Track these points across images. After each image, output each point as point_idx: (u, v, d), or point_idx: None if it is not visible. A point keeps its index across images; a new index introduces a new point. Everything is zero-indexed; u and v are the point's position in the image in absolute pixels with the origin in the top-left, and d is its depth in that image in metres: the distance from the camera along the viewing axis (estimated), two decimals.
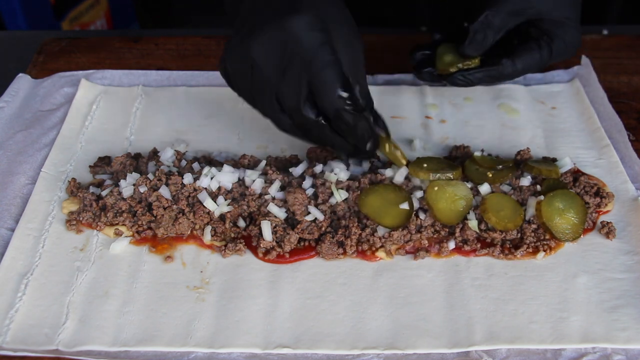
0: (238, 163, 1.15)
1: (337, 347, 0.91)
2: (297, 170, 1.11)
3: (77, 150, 1.21)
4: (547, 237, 1.03)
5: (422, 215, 1.05)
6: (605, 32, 1.56)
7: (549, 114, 1.30)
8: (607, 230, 1.05)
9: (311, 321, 0.94)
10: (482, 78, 1.21)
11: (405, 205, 1.04)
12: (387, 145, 1.08)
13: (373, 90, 1.34)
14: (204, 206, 1.05)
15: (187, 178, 1.07)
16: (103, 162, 1.17)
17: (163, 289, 0.98)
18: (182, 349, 0.90)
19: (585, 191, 1.10)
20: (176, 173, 1.09)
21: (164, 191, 1.06)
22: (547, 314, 0.94)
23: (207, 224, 1.05)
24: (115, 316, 0.94)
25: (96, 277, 0.99)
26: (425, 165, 1.10)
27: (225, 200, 1.07)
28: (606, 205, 1.09)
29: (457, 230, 1.03)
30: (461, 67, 1.21)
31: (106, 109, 1.31)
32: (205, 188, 1.07)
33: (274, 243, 1.02)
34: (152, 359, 0.89)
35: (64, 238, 1.05)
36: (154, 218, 1.05)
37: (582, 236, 1.04)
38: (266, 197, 1.06)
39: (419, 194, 1.07)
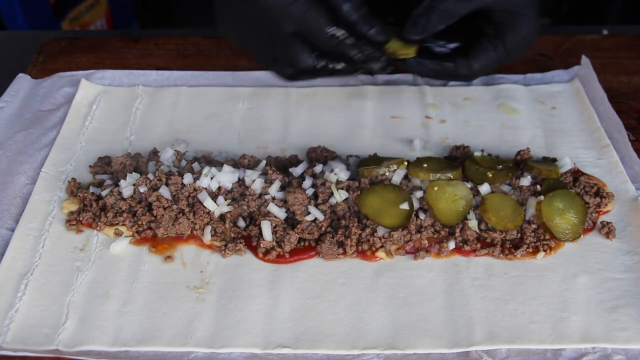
0: (238, 163, 1.15)
1: (337, 347, 0.91)
2: (297, 170, 1.11)
3: (77, 150, 1.21)
4: (547, 237, 1.03)
5: (422, 215, 1.05)
6: (605, 32, 1.56)
7: (549, 114, 1.30)
8: (607, 230, 1.05)
9: (311, 321, 0.94)
10: (437, 70, 1.16)
11: (405, 206, 1.04)
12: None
13: (373, 90, 1.36)
14: (204, 206, 1.05)
15: (187, 178, 1.07)
16: (103, 162, 1.17)
17: (163, 289, 0.98)
18: (182, 349, 0.90)
19: (585, 191, 1.10)
20: (176, 173, 1.09)
21: (164, 191, 1.06)
22: (547, 314, 0.94)
23: (207, 224, 1.05)
24: (115, 316, 0.94)
25: (96, 277, 0.99)
26: (425, 165, 1.10)
27: (225, 200, 1.07)
28: (606, 205, 1.09)
29: (457, 230, 1.03)
30: (398, 54, 1.12)
31: (106, 109, 1.31)
32: (205, 188, 1.07)
33: (274, 243, 1.02)
34: (152, 359, 0.89)
35: (64, 238, 1.05)
36: (154, 218, 1.05)
37: (582, 236, 1.04)
38: (266, 197, 1.06)
39: (419, 194, 1.07)
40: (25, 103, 1.31)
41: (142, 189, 1.06)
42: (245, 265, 1.01)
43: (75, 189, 1.11)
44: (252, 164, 1.15)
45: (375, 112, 1.30)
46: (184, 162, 1.14)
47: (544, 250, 1.02)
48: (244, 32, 1.15)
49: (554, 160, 1.16)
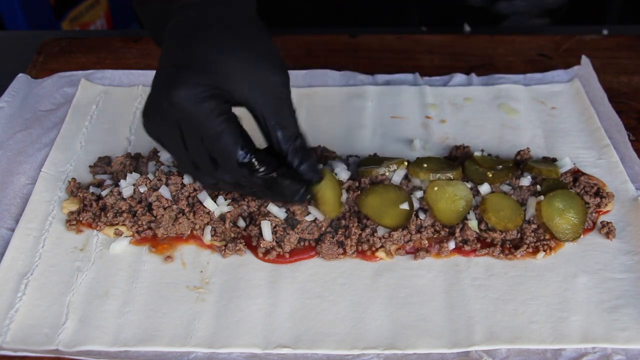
0: None
1: (337, 347, 0.91)
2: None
3: (77, 150, 1.21)
4: (547, 237, 1.03)
5: (422, 216, 1.05)
6: (605, 32, 1.56)
7: (549, 114, 1.30)
8: (607, 230, 1.05)
9: (311, 321, 0.94)
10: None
11: (405, 206, 1.04)
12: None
13: (373, 90, 1.35)
14: (204, 206, 1.05)
15: (187, 178, 1.07)
16: (103, 162, 1.17)
17: (163, 289, 0.98)
18: (182, 349, 0.90)
19: (585, 191, 1.10)
20: (176, 173, 1.09)
21: (164, 191, 1.06)
22: (547, 314, 0.94)
23: (207, 224, 1.05)
24: (115, 316, 0.94)
25: (96, 277, 0.99)
26: (425, 165, 1.10)
27: (225, 200, 1.07)
28: (606, 205, 1.09)
29: (457, 230, 1.03)
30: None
31: (106, 109, 1.31)
32: None
33: (274, 243, 1.02)
34: (152, 359, 0.89)
35: (64, 238, 1.05)
36: (154, 218, 1.05)
37: (582, 236, 1.04)
38: None
39: (419, 194, 1.07)
40: (25, 103, 1.31)
41: (142, 189, 1.06)
42: (245, 265, 1.01)
43: (75, 189, 1.11)
44: None
45: (375, 112, 1.30)
46: None
47: (544, 250, 1.02)
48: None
49: (554, 160, 1.16)
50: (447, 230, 1.04)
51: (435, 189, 1.06)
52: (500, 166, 1.12)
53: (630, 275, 0.99)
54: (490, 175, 1.10)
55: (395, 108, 1.31)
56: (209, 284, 0.99)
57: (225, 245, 1.03)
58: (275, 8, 1.54)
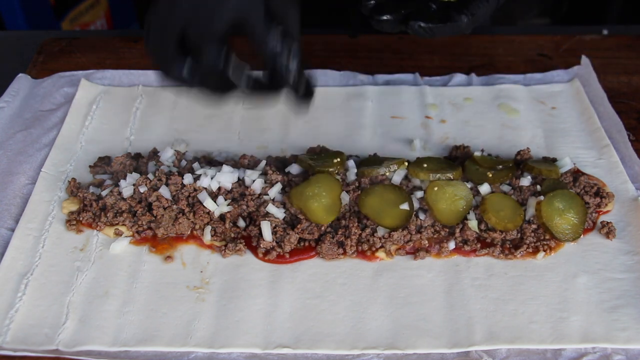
0: (238, 163, 1.15)
1: (337, 347, 0.91)
2: (294, 168, 1.11)
3: (77, 150, 1.21)
4: (547, 237, 1.03)
5: (422, 216, 1.05)
6: (605, 32, 1.56)
7: (549, 114, 1.30)
8: (607, 230, 1.05)
9: (311, 321, 0.94)
10: (444, 31, 1.06)
11: (405, 206, 1.04)
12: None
13: (373, 90, 1.35)
14: (204, 206, 1.05)
15: (187, 178, 1.07)
16: (103, 162, 1.17)
17: (163, 289, 0.98)
18: (182, 349, 0.90)
19: (585, 191, 1.10)
20: (176, 173, 1.09)
21: (164, 191, 1.06)
22: (547, 314, 0.94)
23: (207, 224, 1.05)
24: (115, 316, 0.94)
25: (96, 277, 0.99)
26: (425, 165, 1.10)
27: (225, 200, 1.07)
28: (606, 205, 1.09)
29: (457, 230, 1.03)
30: None
31: (106, 109, 1.31)
32: (205, 188, 1.07)
33: (274, 243, 1.02)
34: (152, 359, 0.89)
35: (64, 238, 1.05)
36: (154, 218, 1.05)
37: (582, 236, 1.04)
38: (265, 197, 1.06)
39: (419, 194, 1.07)
40: (25, 103, 1.31)
41: (142, 189, 1.06)
42: (245, 265, 1.01)
43: (75, 189, 1.11)
44: (252, 164, 1.15)
45: (375, 112, 1.30)
46: (184, 162, 1.14)
47: (544, 250, 1.02)
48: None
49: (554, 160, 1.17)
50: (447, 230, 1.04)
51: (435, 189, 1.06)
52: (500, 166, 1.12)
53: (630, 275, 0.99)
54: (490, 175, 1.10)
55: (395, 108, 1.31)
56: (209, 284, 0.99)
57: (225, 245, 1.03)
58: None
